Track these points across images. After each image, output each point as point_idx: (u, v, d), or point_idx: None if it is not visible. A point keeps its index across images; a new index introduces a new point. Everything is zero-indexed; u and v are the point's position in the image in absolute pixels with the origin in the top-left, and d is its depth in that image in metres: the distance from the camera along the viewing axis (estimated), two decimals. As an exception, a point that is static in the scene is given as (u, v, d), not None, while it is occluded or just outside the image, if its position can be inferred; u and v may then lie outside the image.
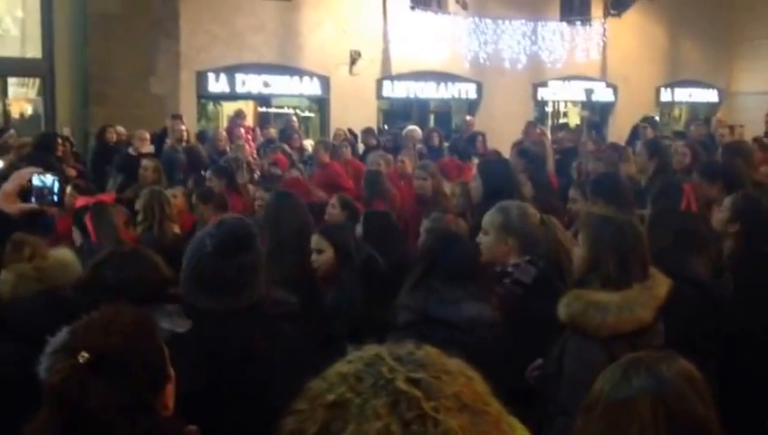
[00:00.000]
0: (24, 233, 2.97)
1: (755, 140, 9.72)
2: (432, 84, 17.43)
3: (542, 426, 2.83)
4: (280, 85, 15.72)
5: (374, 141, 12.21)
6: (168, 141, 10.19)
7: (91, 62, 12.70)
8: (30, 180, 2.50)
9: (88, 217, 4.68)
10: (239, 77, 15.12)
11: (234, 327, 2.46)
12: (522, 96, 18.36)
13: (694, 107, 21.75)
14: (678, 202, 4.05)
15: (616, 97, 19.95)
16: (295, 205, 4.92)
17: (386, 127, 16.66)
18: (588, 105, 20.24)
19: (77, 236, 4.81)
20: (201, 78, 14.62)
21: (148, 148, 9.79)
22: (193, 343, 2.45)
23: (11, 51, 12.97)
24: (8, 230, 2.50)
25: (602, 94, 19.89)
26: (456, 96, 17.94)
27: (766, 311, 3.92)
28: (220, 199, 6.47)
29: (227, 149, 10.51)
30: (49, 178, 2.54)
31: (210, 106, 16.47)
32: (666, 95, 20.83)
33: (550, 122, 19.47)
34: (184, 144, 10.12)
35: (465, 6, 17.15)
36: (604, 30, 19.26)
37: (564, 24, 18.85)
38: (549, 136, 13.36)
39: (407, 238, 5.62)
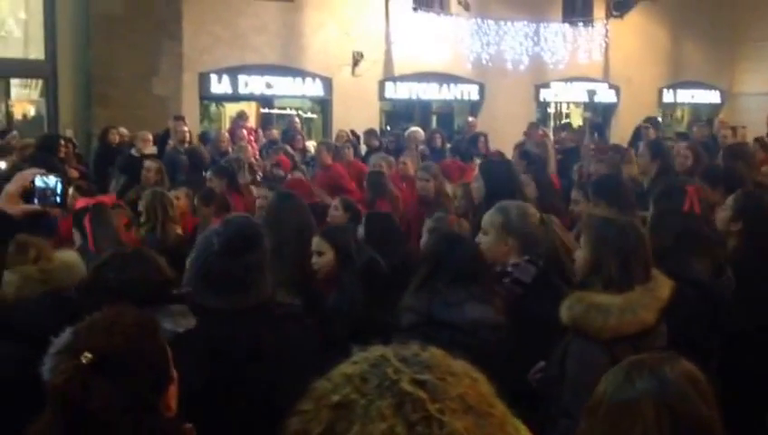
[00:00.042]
0: (27, 234, 2.97)
1: (757, 140, 9.70)
2: (434, 85, 17.43)
3: (544, 428, 2.83)
4: (282, 86, 15.73)
5: (376, 143, 12.22)
6: (171, 143, 10.18)
7: (93, 63, 12.72)
8: (33, 182, 2.50)
9: (86, 219, 4.68)
10: (242, 78, 15.13)
11: (240, 326, 2.47)
12: (524, 97, 18.35)
13: (696, 108, 21.73)
14: (681, 203, 4.05)
15: (618, 98, 19.94)
16: (297, 206, 4.93)
17: (388, 128, 16.66)
18: (590, 106, 20.23)
19: (77, 237, 4.81)
20: (204, 79, 14.63)
21: (151, 149, 9.79)
22: (199, 342, 2.46)
23: (14, 52, 12.98)
24: (11, 231, 2.50)
25: (605, 95, 19.88)
26: (459, 97, 17.94)
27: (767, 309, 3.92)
28: (221, 201, 6.47)
29: (230, 150, 10.51)
30: (52, 180, 2.54)
31: (213, 107, 16.49)
32: (668, 96, 20.82)
33: (552, 123, 19.47)
34: (186, 145, 10.12)
35: (467, 7, 17.15)
36: (606, 31, 19.26)
37: (566, 25, 18.85)
38: (551, 137, 13.37)
39: (409, 240, 5.62)
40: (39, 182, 2.51)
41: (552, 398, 2.98)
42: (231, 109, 15.87)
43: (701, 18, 20.13)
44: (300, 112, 16.66)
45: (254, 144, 12.09)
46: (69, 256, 3.19)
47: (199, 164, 9.05)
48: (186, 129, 10.58)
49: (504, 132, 14.03)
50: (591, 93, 19.69)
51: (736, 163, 6.31)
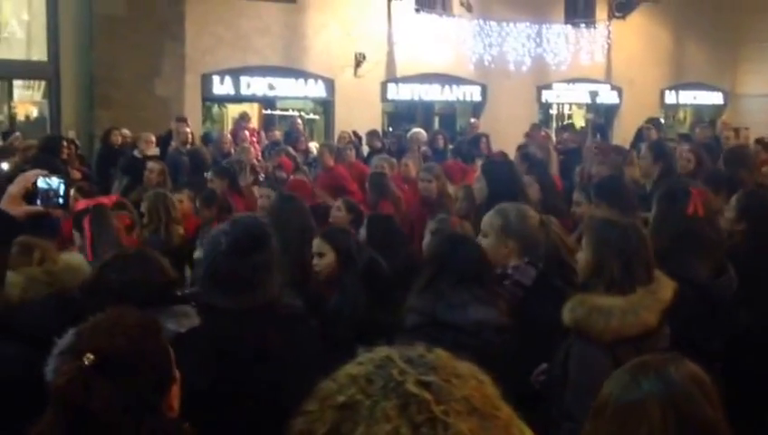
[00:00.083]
0: (30, 235, 2.97)
1: (758, 141, 9.70)
2: (437, 87, 17.43)
3: (547, 430, 2.82)
4: (285, 88, 15.74)
5: (379, 144, 12.22)
6: (173, 144, 10.20)
7: (96, 64, 12.73)
8: (35, 183, 2.50)
9: (86, 221, 4.67)
10: (244, 80, 15.14)
11: (247, 326, 2.47)
12: (526, 98, 18.35)
13: (698, 109, 21.73)
14: (684, 205, 4.04)
15: (621, 99, 19.93)
16: (298, 207, 4.94)
17: (390, 129, 16.67)
18: (592, 108, 20.23)
19: (77, 238, 4.81)
20: (206, 80, 14.64)
21: (154, 150, 9.79)
22: (205, 342, 2.46)
23: (16, 53, 13.00)
24: (13, 232, 2.50)
25: (607, 97, 19.88)
26: (461, 98, 17.94)
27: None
28: (223, 202, 6.47)
29: (232, 151, 10.52)
30: (54, 181, 2.54)
31: (215, 108, 16.50)
32: (670, 97, 20.81)
33: (554, 125, 19.46)
34: (188, 147, 10.13)
35: (469, 9, 17.16)
36: (609, 32, 19.26)
37: (569, 26, 18.85)
38: (553, 138, 13.37)
39: (412, 241, 5.62)
40: (42, 183, 2.51)
41: (555, 400, 2.98)
42: (233, 110, 15.88)
43: (703, 19, 20.12)
44: (302, 114, 16.67)
45: (256, 145, 12.10)
46: (74, 258, 3.19)
47: (201, 165, 9.06)
48: (188, 130, 10.59)
49: (507, 133, 14.03)
50: (594, 95, 19.68)
51: (739, 170, 6.31)
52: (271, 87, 15.54)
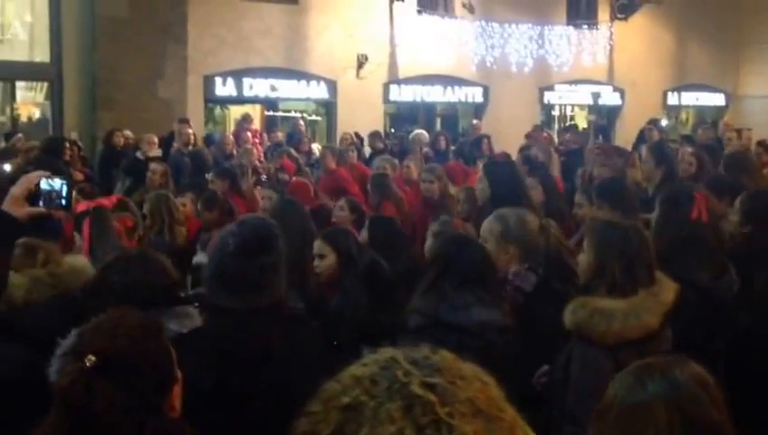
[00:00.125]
0: (33, 237, 2.97)
1: (760, 143, 9.69)
2: (439, 88, 17.43)
3: (549, 433, 2.82)
4: (287, 89, 15.74)
5: (381, 145, 12.23)
6: (175, 145, 10.20)
7: (98, 66, 12.75)
8: (38, 184, 2.50)
9: (85, 222, 4.67)
10: (246, 81, 15.16)
11: (253, 326, 2.47)
12: (528, 100, 18.35)
13: (701, 111, 21.70)
14: (688, 208, 4.04)
15: (623, 101, 19.92)
16: (300, 211, 4.96)
17: (392, 130, 16.67)
18: (595, 109, 20.22)
19: (78, 240, 4.81)
20: (208, 82, 14.65)
21: (156, 151, 9.80)
22: (210, 342, 2.47)
23: (19, 55, 13.03)
24: (16, 234, 2.50)
25: (609, 98, 19.86)
26: (463, 100, 17.94)
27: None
28: (224, 204, 6.46)
29: (234, 152, 10.53)
30: (57, 182, 2.54)
31: (217, 110, 16.51)
32: (673, 99, 20.79)
33: (556, 126, 19.46)
34: (191, 148, 10.13)
35: (471, 10, 17.16)
36: (611, 34, 19.25)
37: (571, 27, 18.84)
38: (555, 140, 13.36)
39: (414, 243, 5.62)
40: (44, 185, 2.51)
41: (556, 402, 2.97)
42: (235, 111, 15.90)
43: (705, 21, 20.11)
44: (304, 115, 16.68)
45: (258, 147, 12.11)
46: (78, 260, 3.19)
47: (202, 166, 9.06)
48: (190, 131, 10.59)
49: (509, 135, 14.03)
50: (596, 96, 19.66)
51: (741, 176, 6.31)
52: (273, 88, 15.55)
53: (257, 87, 15.36)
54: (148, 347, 1.88)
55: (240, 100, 15.53)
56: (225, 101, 15.91)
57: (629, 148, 11.53)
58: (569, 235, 5.28)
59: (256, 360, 2.42)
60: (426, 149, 11.26)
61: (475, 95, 17.93)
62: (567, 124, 18.63)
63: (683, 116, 21.97)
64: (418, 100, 17.36)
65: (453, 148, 12.40)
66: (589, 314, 2.90)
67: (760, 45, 20.34)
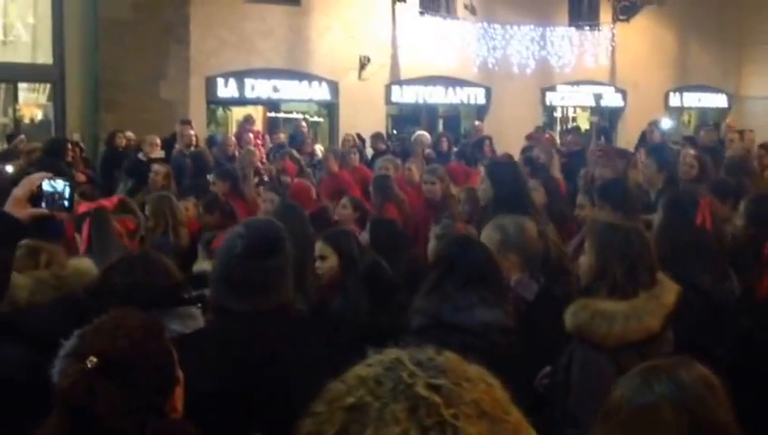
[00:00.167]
0: (35, 238, 2.97)
1: (762, 146, 9.68)
2: (441, 89, 17.44)
3: (551, 434, 2.81)
4: (289, 90, 15.76)
5: (383, 146, 12.23)
6: (177, 146, 10.21)
7: (101, 67, 12.77)
8: (40, 186, 2.50)
9: (85, 223, 4.67)
10: (248, 82, 15.17)
11: (259, 329, 2.47)
12: (530, 101, 18.35)
13: (703, 112, 21.70)
14: (692, 213, 4.05)
15: (625, 102, 19.92)
16: (301, 215, 4.97)
17: (395, 132, 16.67)
18: (597, 110, 20.21)
19: (79, 241, 4.80)
20: (210, 83, 14.67)
21: (159, 153, 9.81)
22: (216, 343, 2.47)
23: (22, 57, 13.05)
24: (18, 235, 2.51)
25: (611, 99, 19.86)
26: (465, 101, 17.94)
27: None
28: (225, 207, 6.45)
29: (236, 153, 10.53)
30: (60, 184, 2.54)
31: (219, 111, 16.53)
32: (675, 100, 20.79)
33: (558, 127, 19.46)
34: (192, 149, 10.14)
35: (473, 12, 17.17)
36: (613, 35, 19.25)
37: (573, 29, 18.85)
38: (557, 141, 13.35)
39: (417, 244, 5.61)
40: (47, 186, 2.51)
41: (558, 404, 2.97)
42: (238, 113, 15.92)
43: (707, 22, 20.11)
44: (306, 116, 16.69)
45: (260, 148, 12.11)
46: (83, 262, 3.19)
47: (203, 167, 9.05)
48: (192, 133, 10.60)
49: (511, 136, 14.03)
50: (598, 97, 19.67)
51: (743, 179, 6.33)
52: (275, 90, 15.57)
53: (259, 88, 15.37)
54: (149, 348, 1.88)
55: (242, 101, 15.55)
56: (228, 103, 15.92)
57: (631, 149, 11.52)
58: (571, 236, 5.29)
59: (261, 362, 2.42)
60: (428, 151, 11.25)
61: (478, 96, 17.94)
62: (569, 126, 18.61)
63: (685, 117, 21.96)
64: (420, 101, 17.37)
65: (455, 149, 12.39)
66: (590, 316, 2.89)
67: (762, 46, 20.32)
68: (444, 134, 13.36)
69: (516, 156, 9.28)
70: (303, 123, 14.88)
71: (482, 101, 18.00)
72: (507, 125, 16.24)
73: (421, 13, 16.72)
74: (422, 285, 3.30)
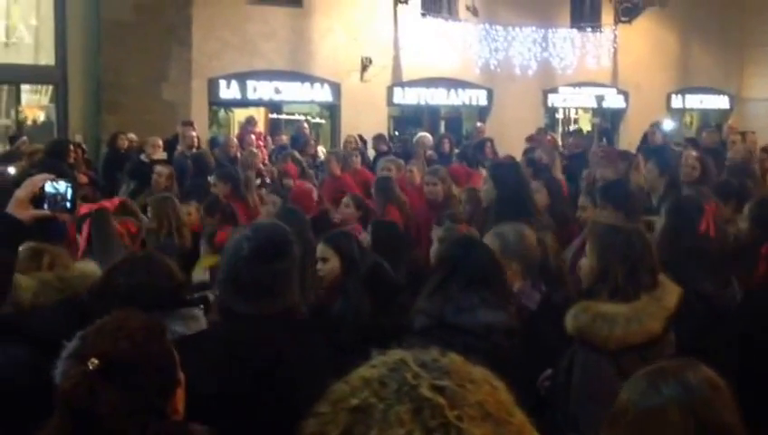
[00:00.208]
0: (37, 239, 2.97)
1: (765, 149, 9.68)
2: (443, 91, 17.44)
3: (552, 436, 2.81)
4: (291, 92, 15.77)
5: (385, 148, 12.23)
6: (179, 148, 10.21)
7: (103, 69, 12.79)
8: (43, 187, 2.51)
9: (86, 224, 4.67)
10: (250, 84, 15.18)
11: (265, 332, 2.48)
12: (532, 102, 18.35)
13: (705, 113, 21.70)
14: (696, 218, 4.05)
15: (627, 104, 19.91)
16: (302, 219, 4.98)
17: (396, 133, 16.67)
18: (599, 112, 20.21)
19: (81, 242, 4.80)
20: (213, 85, 14.68)
21: (161, 154, 9.81)
22: (221, 345, 2.47)
23: (24, 58, 13.06)
24: (20, 236, 2.51)
25: (613, 101, 19.86)
26: (467, 103, 17.95)
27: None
28: (226, 209, 6.45)
29: (238, 155, 10.53)
30: (62, 185, 2.54)
31: (221, 113, 16.54)
32: (677, 102, 20.79)
33: (560, 129, 19.47)
34: (194, 150, 10.14)
35: (475, 13, 17.18)
36: (615, 36, 19.25)
37: (575, 30, 18.86)
38: (560, 143, 13.35)
39: (419, 245, 5.61)
40: (49, 188, 2.52)
41: (560, 406, 2.96)
42: (240, 114, 15.93)
43: (709, 23, 20.10)
44: (308, 118, 16.70)
45: (263, 149, 12.11)
46: (87, 265, 3.19)
47: (204, 169, 9.04)
48: (194, 134, 10.61)
49: (513, 137, 14.02)
50: (600, 99, 19.67)
51: (745, 181, 6.33)
52: (277, 91, 15.58)
53: (261, 90, 15.38)
54: (151, 350, 1.88)
55: (244, 102, 15.56)
56: (230, 104, 15.93)
57: (633, 151, 11.51)
58: (572, 238, 5.28)
59: (266, 364, 2.42)
60: (429, 152, 11.25)
61: (479, 98, 17.94)
62: (571, 128, 18.62)
63: (687, 119, 21.95)
64: (422, 102, 17.37)
65: (457, 151, 12.39)
66: (591, 318, 2.88)
67: (764, 48, 20.31)
68: (445, 136, 13.36)
69: (518, 158, 9.27)
70: (305, 125, 14.89)
71: (484, 102, 18.00)
72: (509, 127, 16.24)
73: (423, 14, 16.72)
74: (425, 285, 3.30)
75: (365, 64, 16.07)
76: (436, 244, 4.59)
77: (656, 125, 13.31)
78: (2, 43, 12.83)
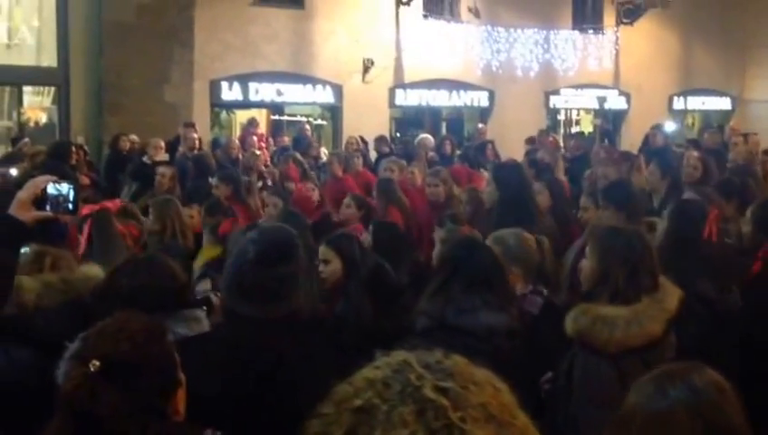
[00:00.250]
0: (39, 241, 2.98)
1: (766, 152, 9.69)
2: (444, 92, 17.44)
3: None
4: (293, 93, 15.77)
5: (387, 149, 12.22)
6: (180, 149, 10.21)
7: (105, 70, 12.80)
8: (45, 189, 2.51)
9: (87, 224, 4.67)
10: (252, 85, 15.19)
11: (269, 335, 2.48)
12: (534, 104, 18.34)
13: (707, 115, 21.68)
14: (700, 222, 4.05)
15: (629, 105, 19.91)
16: (303, 223, 4.98)
17: (398, 135, 16.68)
18: (600, 113, 20.21)
19: (81, 243, 4.80)
20: (214, 86, 14.68)
21: (163, 156, 9.80)
22: (226, 347, 2.47)
23: (27, 60, 13.07)
24: (22, 238, 2.51)
25: (615, 102, 19.86)
26: (469, 104, 17.94)
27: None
28: (227, 211, 6.44)
29: (240, 156, 10.53)
30: (64, 187, 2.54)
31: (223, 114, 16.54)
32: (679, 103, 20.78)
33: (562, 130, 19.46)
34: (196, 152, 10.14)
35: (477, 15, 17.18)
36: (617, 38, 19.25)
37: (577, 32, 18.86)
38: (561, 144, 13.35)
39: (421, 246, 5.60)
40: (51, 189, 2.52)
41: (560, 409, 2.95)
42: (241, 116, 15.93)
43: (711, 24, 20.10)
44: (310, 119, 16.71)
45: (265, 151, 12.11)
46: (92, 268, 3.19)
47: (205, 170, 9.02)
48: (195, 136, 10.61)
49: (514, 139, 14.02)
50: (602, 100, 19.66)
51: (748, 180, 6.33)
52: (279, 93, 15.59)
53: (263, 91, 15.39)
54: (151, 351, 1.88)
55: (246, 104, 15.56)
56: (232, 106, 15.94)
57: (635, 152, 11.50)
58: (574, 239, 5.28)
59: (268, 367, 2.42)
60: (431, 154, 11.26)
61: (481, 99, 17.94)
62: (573, 130, 18.62)
63: (689, 120, 21.94)
64: (424, 104, 17.38)
65: (458, 152, 12.39)
66: (591, 321, 2.87)
67: (766, 49, 20.31)
68: (447, 137, 13.37)
69: (520, 159, 9.26)
70: (307, 126, 14.90)
71: (485, 104, 18.00)
72: (510, 128, 16.24)
73: (425, 16, 16.73)
74: (427, 287, 3.30)
75: (367, 66, 16.07)
76: (439, 245, 4.59)
77: (657, 127, 13.30)
78: (4, 45, 12.84)
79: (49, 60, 13.09)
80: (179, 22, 13.11)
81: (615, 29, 19.24)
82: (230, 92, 14.97)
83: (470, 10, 17.17)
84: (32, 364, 2.35)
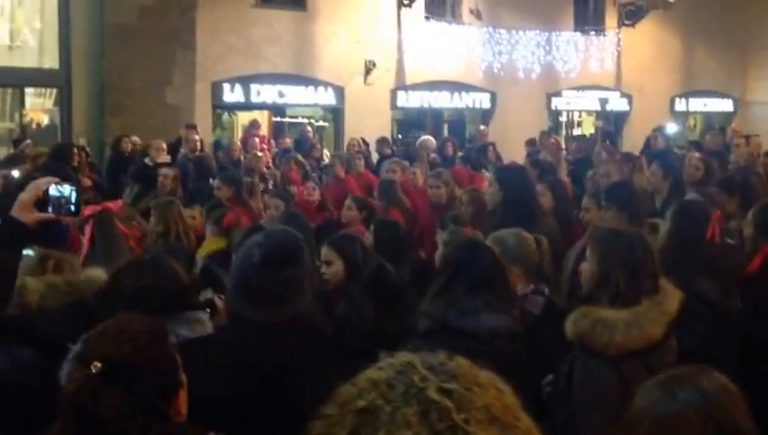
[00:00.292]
0: (41, 243, 2.98)
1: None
2: (446, 94, 17.44)
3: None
4: (295, 95, 15.78)
5: (388, 151, 12.22)
6: (182, 151, 10.22)
7: (107, 72, 12.81)
8: (47, 190, 2.51)
9: (88, 225, 4.67)
10: (254, 87, 15.20)
11: (274, 338, 2.47)
12: (536, 106, 18.34)
13: (708, 117, 21.66)
14: (704, 224, 4.04)
15: (630, 107, 19.90)
16: (305, 225, 4.98)
17: (400, 136, 16.67)
18: (602, 115, 20.19)
19: (83, 244, 4.80)
20: (216, 88, 14.70)
21: (165, 158, 9.80)
22: (230, 349, 2.47)
23: (29, 61, 13.10)
24: (24, 239, 2.51)
25: (617, 104, 19.85)
26: (470, 106, 17.94)
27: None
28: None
29: (242, 158, 10.54)
30: (67, 189, 2.54)
31: (225, 116, 16.55)
32: (680, 105, 20.77)
33: (564, 132, 19.45)
34: (197, 154, 10.15)
35: (479, 16, 17.19)
36: (618, 40, 19.24)
37: (578, 33, 18.86)
38: (563, 146, 13.35)
39: (422, 247, 5.60)
40: (53, 191, 2.52)
41: (560, 412, 2.94)
42: (243, 117, 15.93)
43: (713, 26, 20.09)
44: (312, 121, 16.71)
45: (266, 153, 12.12)
46: (96, 271, 3.19)
47: (206, 172, 9.03)
48: (197, 137, 10.62)
49: (516, 141, 14.02)
50: (604, 102, 19.65)
51: (751, 178, 6.34)
52: (281, 94, 15.60)
53: (265, 93, 15.40)
54: (153, 353, 1.89)
55: (248, 106, 15.57)
56: (233, 108, 15.95)
57: (637, 154, 11.50)
58: (576, 240, 5.28)
59: (273, 370, 2.42)
60: (433, 155, 11.25)
61: (483, 101, 17.94)
62: (574, 132, 18.61)
63: (691, 122, 21.93)
64: (426, 106, 17.37)
65: (460, 154, 12.39)
66: (591, 324, 2.86)
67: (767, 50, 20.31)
68: (449, 139, 13.37)
69: (521, 161, 9.27)
70: (309, 128, 14.90)
71: (487, 105, 18.00)
72: (512, 130, 16.23)
73: (427, 17, 16.73)
74: (429, 288, 3.29)
75: (368, 68, 16.08)
76: (441, 247, 4.59)
77: (658, 130, 13.32)
78: (6, 47, 12.87)
79: (51, 62, 13.11)
80: (181, 24, 13.13)
81: (617, 31, 19.24)
82: (232, 94, 14.98)
83: (472, 12, 17.18)
84: (34, 365, 2.35)
